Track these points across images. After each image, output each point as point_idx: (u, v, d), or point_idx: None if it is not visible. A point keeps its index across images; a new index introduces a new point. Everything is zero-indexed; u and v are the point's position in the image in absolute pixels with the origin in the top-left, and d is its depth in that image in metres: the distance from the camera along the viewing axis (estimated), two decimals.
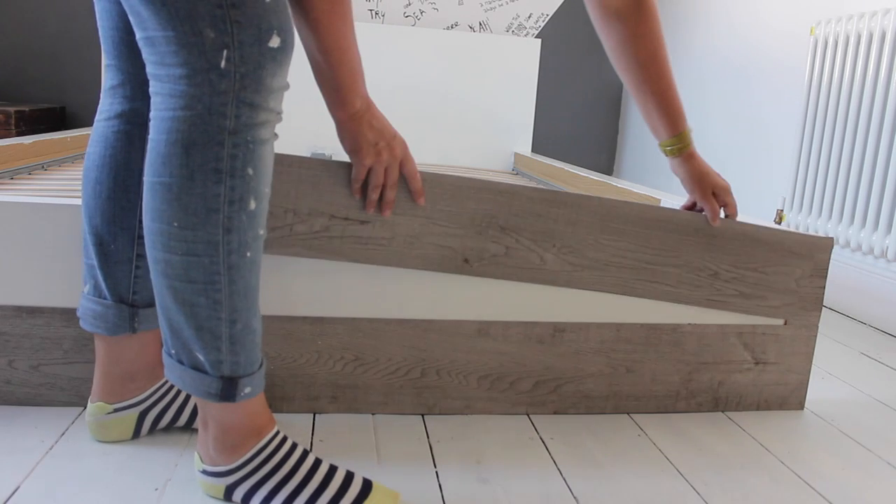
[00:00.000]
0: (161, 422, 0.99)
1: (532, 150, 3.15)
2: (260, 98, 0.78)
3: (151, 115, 0.79)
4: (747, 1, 2.60)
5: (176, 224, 0.77)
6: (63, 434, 0.98)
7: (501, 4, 2.79)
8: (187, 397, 1.00)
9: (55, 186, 1.58)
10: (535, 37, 3.13)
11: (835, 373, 1.48)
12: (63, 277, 1.03)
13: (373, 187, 1.00)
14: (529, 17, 2.84)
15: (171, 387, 0.99)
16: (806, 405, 1.28)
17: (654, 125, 1.13)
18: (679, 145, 1.12)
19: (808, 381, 1.25)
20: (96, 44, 3.07)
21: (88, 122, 3.13)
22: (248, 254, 0.80)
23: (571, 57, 3.45)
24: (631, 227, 1.12)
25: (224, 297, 0.79)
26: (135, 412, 0.97)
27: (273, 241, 1.02)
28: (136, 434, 0.98)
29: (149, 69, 0.79)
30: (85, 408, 1.06)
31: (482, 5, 2.78)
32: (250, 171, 0.78)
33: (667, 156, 1.15)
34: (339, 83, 0.90)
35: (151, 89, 0.79)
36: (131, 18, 0.78)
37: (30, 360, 1.04)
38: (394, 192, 1.01)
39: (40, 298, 1.03)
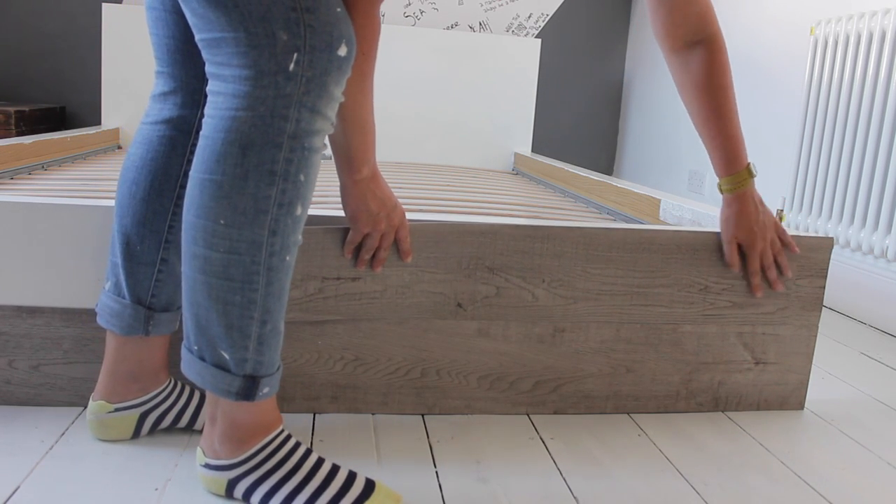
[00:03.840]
0: (161, 424, 0.99)
1: (532, 150, 3.15)
2: (322, 104, 0.78)
3: (208, 112, 0.79)
4: (747, 1, 2.60)
5: (222, 222, 0.77)
6: (63, 434, 0.99)
7: (501, 4, 2.80)
8: (188, 401, 1.00)
9: (55, 186, 1.58)
10: (535, 37, 3.13)
11: (835, 373, 1.48)
12: (63, 277, 1.03)
13: (366, 250, 1.02)
14: (529, 17, 2.85)
15: (173, 390, 1.00)
16: (806, 405, 1.28)
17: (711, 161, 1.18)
18: (726, 187, 1.15)
19: (808, 381, 1.25)
20: (96, 44, 3.07)
21: (88, 122, 3.13)
22: (287, 257, 0.81)
23: (571, 57, 3.45)
24: (616, 252, 1.12)
25: (259, 297, 0.80)
26: (135, 413, 0.97)
27: None
28: (136, 434, 0.98)
29: (210, 69, 0.78)
30: (85, 407, 1.06)
31: (482, 5, 2.78)
32: (302, 177, 0.79)
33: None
34: (351, 151, 0.93)
35: (211, 88, 0.79)
36: (191, 20, 0.78)
37: (30, 360, 1.04)
38: (387, 253, 1.04)
39: (40, 298, 1.03)
